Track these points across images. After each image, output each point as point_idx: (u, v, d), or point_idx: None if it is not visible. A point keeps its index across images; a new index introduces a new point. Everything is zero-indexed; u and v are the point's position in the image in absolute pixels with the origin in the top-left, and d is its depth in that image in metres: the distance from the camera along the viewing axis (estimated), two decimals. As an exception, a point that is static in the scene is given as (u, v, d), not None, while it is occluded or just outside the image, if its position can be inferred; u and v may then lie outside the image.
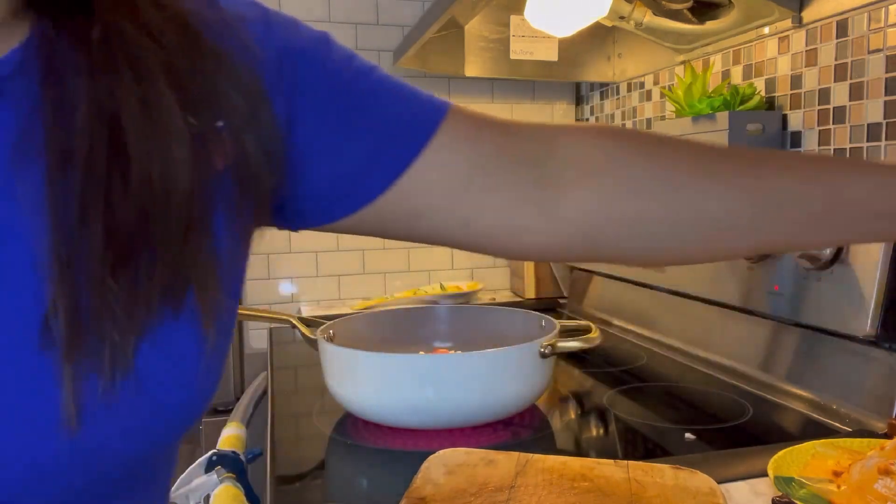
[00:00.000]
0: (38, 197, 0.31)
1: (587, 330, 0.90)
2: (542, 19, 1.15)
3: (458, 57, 1.54)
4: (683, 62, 1.31)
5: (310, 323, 0.97)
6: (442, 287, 1.65)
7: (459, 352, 0.96)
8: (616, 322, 1.34)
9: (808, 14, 1.01)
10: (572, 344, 0.84)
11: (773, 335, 0.95)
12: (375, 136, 0.44)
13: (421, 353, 1.00)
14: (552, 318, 0.94)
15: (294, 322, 0.98)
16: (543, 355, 0.82)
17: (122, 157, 0.32)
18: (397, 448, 0.79)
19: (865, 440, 0.66)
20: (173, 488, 0.80)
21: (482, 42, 1.54)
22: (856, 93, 0.95)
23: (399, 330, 1.03)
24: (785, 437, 0.76)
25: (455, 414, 0.80)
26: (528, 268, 1.61)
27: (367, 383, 0.80)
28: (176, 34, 0.34)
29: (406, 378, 0.79)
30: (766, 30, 1.10)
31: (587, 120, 1.75)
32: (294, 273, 1.61)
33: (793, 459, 0.62)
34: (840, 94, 0.98)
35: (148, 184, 0.32)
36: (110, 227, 0.31)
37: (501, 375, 0.80)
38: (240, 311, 0.85)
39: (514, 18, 1.47)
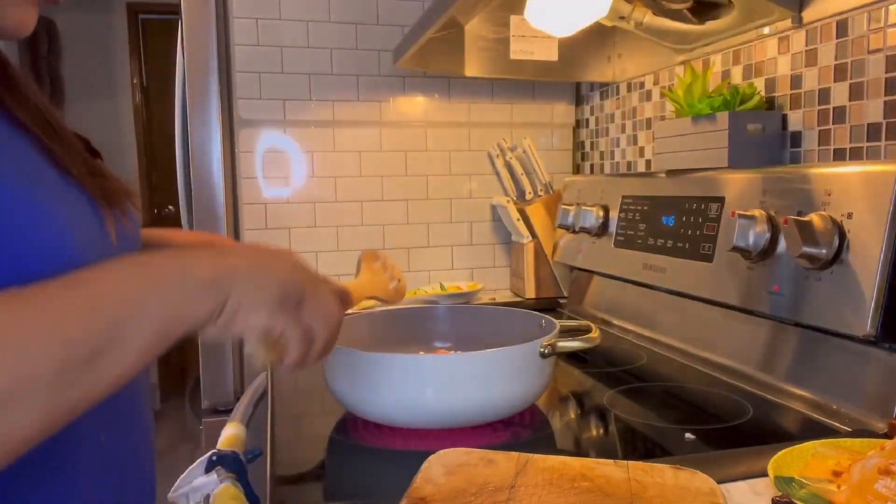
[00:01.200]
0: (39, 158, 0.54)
1: (587, 330, 0.90)
2: (542, 19, 1.15)
3: (458, 57, 1.54)
4: (683, 62, 1.31)
5: None
6: (442, 287, 1.65)
7: (459, 352, 0.96)
8: (616, 322, 1.34)
9: (808, 14, 1.01)
10: (572, 344, 0.84)
11: (773, 335, 0.95)
12: None
13: (421, 353, 1.00)
14: (552, 318, 0.93)
15: None
16: (543, 355, 0.82)
17: (64, 135, 0.58)
18: (397, 448, 0.79)
19: (865, 440, 0.66)
20: (173, 488, 0.80)
21: (482, 42, 1.54)
22: (856, 93, 0.95)
23: (399, 330, 1.03)
24: (785, 437, 0.76)
25: (455, 414, 0.80)
26: (529, 268, 1.61)
27: (367, 383, 0.80)
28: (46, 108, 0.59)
29: (405, 378, 0.79)
30: (766, 30, 1.10)
31: (587, 120, 1.75)
32: (294, 273, 1.61)
33: (793, 459, 0.62)
34: (840, 94, 0.98)
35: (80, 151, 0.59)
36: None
37: (501, 375, 0.80)
38: None
39: (514, 18, 1.47)
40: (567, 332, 0.89)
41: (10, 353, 0.39)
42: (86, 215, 0.55)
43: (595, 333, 0.87)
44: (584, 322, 0.96)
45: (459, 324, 1.05)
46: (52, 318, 0.42)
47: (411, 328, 1.04)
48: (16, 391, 0.39)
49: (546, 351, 0.82)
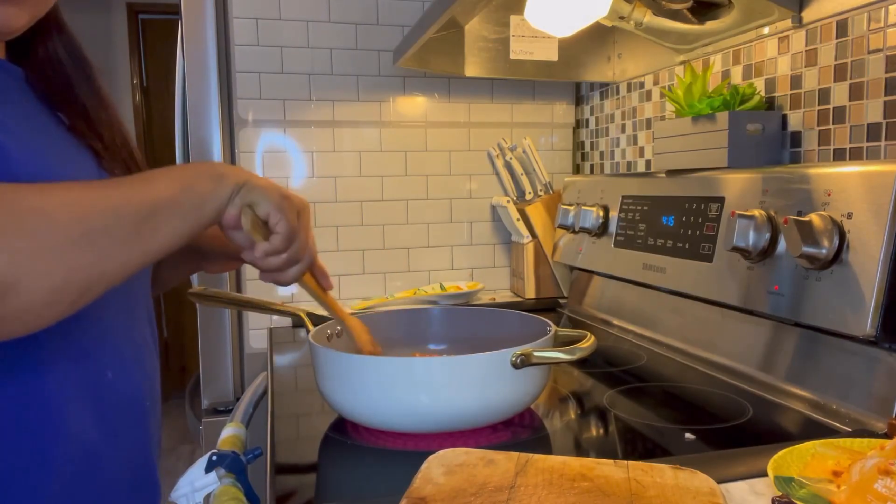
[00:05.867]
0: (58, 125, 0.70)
1: (582, 339, 0.83)
2: (542, 19, 1.15)
3: (458, 57, 1.54)
4: (683, 62, 1.31)
5: (317, 320, 0.97)
6: (442, 287, 1.65)
7: (453, 355, 0.96)
8: (616, 322, 1.34)
9: (808, 14, 1.01)
10: (551, 354, 0.79)
11: (773, 335, 0.95)
12: None
13: (416, 355, 0.99)
14: (548, 321, 0.91)
15: (302, 316, 0.98)
16: (515, 366, 0.77)
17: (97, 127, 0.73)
18: (397, 448, 0.79)
19: (865, 440, 0.66)
20: (174, 488, 0.80)
21: (482, 42, 1.54)
22: (856, 93, 0.95)
23: (393, 332, 1.02)
24: (785, 437, 0.76)
25: (451, 418, 0.79)
26: (529, 268, 1.61)
27: (358, 387, 0.80)
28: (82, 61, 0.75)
29: (396, 382, 0.78)
30: (766, 30, 1.10)
31: (587, 120, 1.75)
32: (294, 273, 1.61)
33: (793, 459, 0.62)
34: (840, 94, 0.98)
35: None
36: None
37: (496, 379, 0.78)
38: (253, 302, 0.86)
39: (514, 18, 1.47)
40: (562, 340, 0.87)
41: (95, 210, 0.54)
42: None
43: (586, 343, 0.81)
44: (580, 332, 0.88)
45: (455, 326, 1.05)
46: (121, 191, 0.58)
47: (406, 330, 1.04)
48: (101, 228, 0.54)
49: (518, 361, 0.77)
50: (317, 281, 0.82)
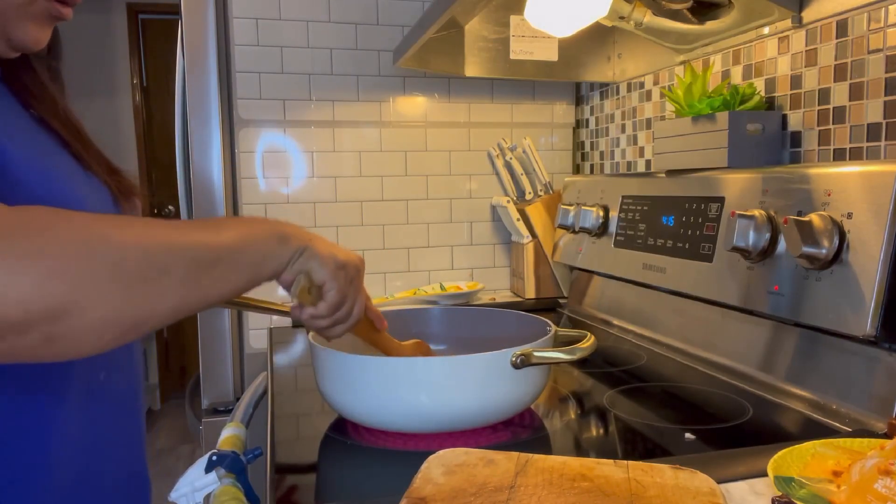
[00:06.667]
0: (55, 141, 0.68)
1: (583, 339, 0.84)
2: (542, 19, 1.15)
3: (458, 57, 1.54)
4: (683, 62, 1.31)
5: None
6: (442, 287, 1.65)
7: (453, 355, 0.96)
8: (616, 322, 1.34)
9: (808, 14, 1.01)
10: (551, 355, 0.79)
11: (773, 335, 0.95)
12: None
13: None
14: (548, 321, 0.91)
15: None
16: (515, 366, 0.78)
17: (72, 124, 0.70)
18: (397, 448, 0.79)
19: (865, 440, 0.66)
20: (174, 488, 0.80)
21: (482, 42, 1.54)
22: (856, 93, 0.95)
23: (394, 332, 1.02)
24: (785, 437, 0.76)
25: (451, 418, 0.79)
26: (529, 268, 1.61)
27: (358, 387, 0.80)
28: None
29: (396, 382, 0.78)
30: (766, 30, 1.10)
31: (587, 120, 1.75)
32: (294, 273, 1.60)
33: (793, 459, 0.62)
34: (840, 94, 0.98)
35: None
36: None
37: (496, 379, 0.78)
38: (253, 302, 0.86)
39: (514, 18, 1.47)
40: (562, 340, 0.87)
41: (162, 248, 0.54)
42: (107, 206, 0.68)
43: (586, 343, 0.81)
44: (580, 331, 0.89)
45: (455, 326, 1.05)
46: (190, 234, 0.57)
47: (406, 330, 1.03)
48: (165, 267, 0.53)
49: (518, 361, 0.78)
50: (371, 323, 0.84)
